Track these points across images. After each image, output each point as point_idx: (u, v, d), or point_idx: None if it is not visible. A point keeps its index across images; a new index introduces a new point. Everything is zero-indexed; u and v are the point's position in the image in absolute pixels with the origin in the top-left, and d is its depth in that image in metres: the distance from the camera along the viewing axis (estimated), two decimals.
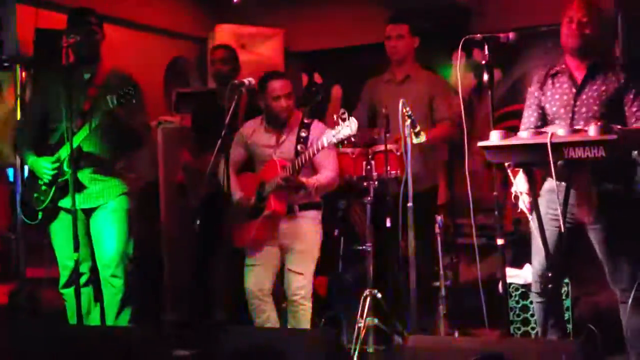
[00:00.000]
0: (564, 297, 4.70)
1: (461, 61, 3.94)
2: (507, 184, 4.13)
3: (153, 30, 6.93)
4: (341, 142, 4.42)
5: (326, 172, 4.75)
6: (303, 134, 4.79)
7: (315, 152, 4.51)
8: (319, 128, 4.80)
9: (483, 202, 6.03)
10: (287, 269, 4.79)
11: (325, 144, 4.42)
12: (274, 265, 4.85)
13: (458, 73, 4.17)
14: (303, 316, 4.75)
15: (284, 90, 4.79)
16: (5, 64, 5.16)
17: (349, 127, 4.30)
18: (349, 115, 4.33)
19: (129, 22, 6.57)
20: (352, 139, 4.40)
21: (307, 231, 4.80)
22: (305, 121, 4.85)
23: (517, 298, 4.89)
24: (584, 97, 3.99)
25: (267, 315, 4.81)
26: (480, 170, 5.71)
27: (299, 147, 4.74)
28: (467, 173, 3.99)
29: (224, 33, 6.86)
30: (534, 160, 3.73)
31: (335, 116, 4.34)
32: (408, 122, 4.39)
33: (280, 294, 4.97)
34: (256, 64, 6.58)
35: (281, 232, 4.79)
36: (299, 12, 7.53)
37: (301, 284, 4.74)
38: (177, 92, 6.57)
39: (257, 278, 4.82)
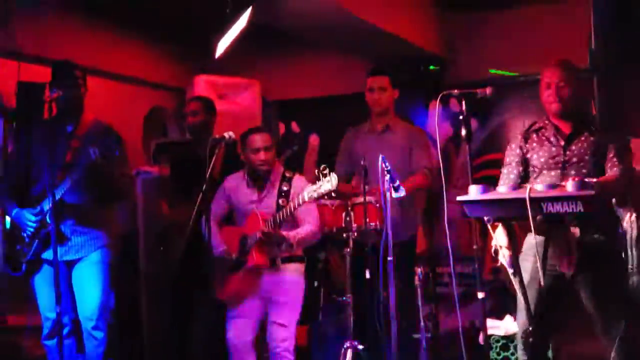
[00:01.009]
0: None
1: (438, 111, 3.97)
2: (485, 233, 4.14)
3: (132, 80, 6.96)
4: (321, 197, 4.47)
5: (308, 226, 4.79)
6: (285, 188, 4.84)
7: (296, 206, 4.56)
8: (301, 182, 4.85)
9: (461, 250, 6.09)
10: (270, 321, 4.79)
11: (306, 199, 4.47)
12: (257, 317, 4.85)
13: (436, 124, 4.21)
14: None
15: (264, 143, 4.83)
16: None
17: (329, 182, 4.36)
18: (330, 170, 4.39)
19: (108, 72, 6.60)
20: (332, 194, 4.45)
21: (291, 283, 4.81)
22: (287, 175, 4.91)
23: (497, 350, 4.91)
24: (574, 147, 4.01)
25: None
26: (458, 217, 5.74)
27: (280, 201, 4.79)
28: (446, 224, 3.88)
29: (202, 84, 6.92)
30: (513, 215, 3.71)
31: (316, 171, 4.39)
32: (387, 177, 4.41)
33: (263, 345, 4.95)
34: (234, 113, 6.64)
35: (264, 285, 4.80)
36: (276, 62, 7.63)
37: (284, 336, 4.73)
38: (156, 142, 6.59)
39: (238, 330, 4.81)
